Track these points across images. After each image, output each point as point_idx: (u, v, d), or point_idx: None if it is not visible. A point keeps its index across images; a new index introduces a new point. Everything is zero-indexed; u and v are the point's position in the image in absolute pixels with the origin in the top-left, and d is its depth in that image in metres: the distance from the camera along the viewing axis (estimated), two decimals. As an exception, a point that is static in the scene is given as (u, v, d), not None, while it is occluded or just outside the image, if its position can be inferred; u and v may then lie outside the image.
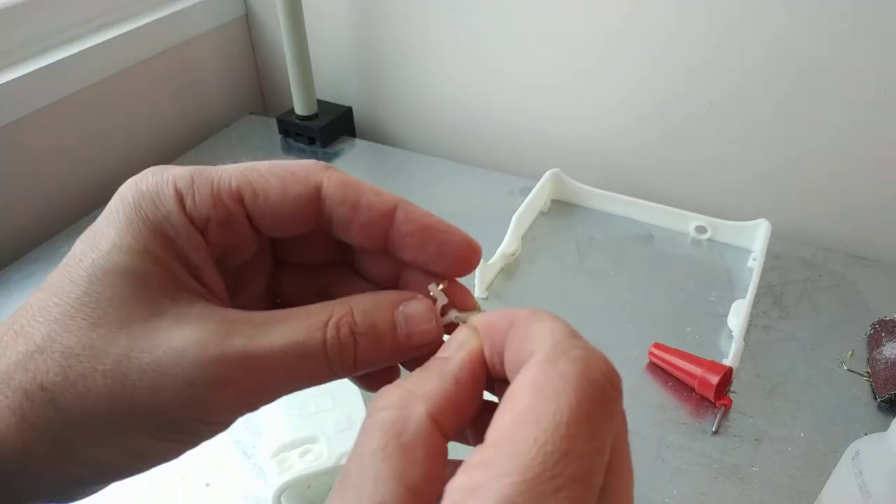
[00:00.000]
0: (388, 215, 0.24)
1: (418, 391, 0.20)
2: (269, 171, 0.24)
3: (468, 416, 0.21)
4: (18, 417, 0.20)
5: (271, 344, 0.21)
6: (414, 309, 0.24)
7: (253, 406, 0.22)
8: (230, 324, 0.22)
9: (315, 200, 0.24)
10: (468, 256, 0.25)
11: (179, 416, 0.21)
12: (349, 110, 0.93)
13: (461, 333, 0.22)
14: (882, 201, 0.72)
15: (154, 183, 0.23)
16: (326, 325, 0.22)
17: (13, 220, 0.74)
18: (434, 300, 0.24)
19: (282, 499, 0.45)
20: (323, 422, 0.49)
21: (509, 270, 0.69)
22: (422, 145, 0.95)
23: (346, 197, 0.24)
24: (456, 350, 0.21)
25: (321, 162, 0.24)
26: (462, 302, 0.25)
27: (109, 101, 0.81)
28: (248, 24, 0.99)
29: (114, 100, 0.81)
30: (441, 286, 0.25)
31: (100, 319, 0.21)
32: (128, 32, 0.80)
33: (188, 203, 0.22)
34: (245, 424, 0.53)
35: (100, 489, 0.23)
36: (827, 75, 0.68)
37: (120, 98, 0.82)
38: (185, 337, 0.21)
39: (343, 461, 0.45)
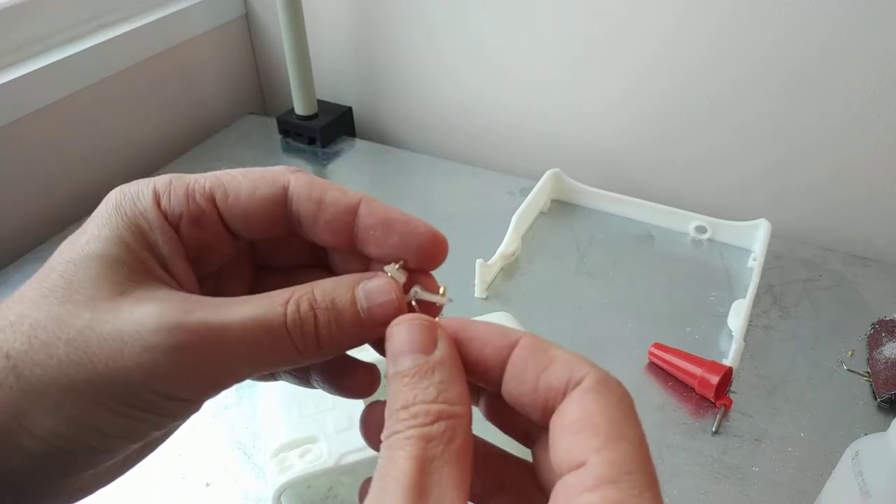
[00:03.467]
0: (352, 210, 0.25)
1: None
2: (242, 175, 0.25)
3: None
4: None
5: (231, 316, 0.22)
6: (373, 284, 0.24)
7: (217, 382, 0.23)
8: (193, 303, 0.22)
9: (283, 199, 0.25)
10: (433, 248, 0.25)
11: (137, 386, 0.21)
12: (349, 110, 0.93)
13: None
14: (882, 201, 0.72)
15: (136, 186, 0.25)
16: (287, 302, 0.23)
17: (13, 221, 0.74)
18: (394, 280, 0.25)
19: (282, 499, 0.45)
20: (323, 422, 0.49)
21: (509, 270, 0.69)
22: (422, 145, 0.95)
23: (312, 194, 0.25)
24: None
25: (292, 166, 0.26)
26: (425, 284, 0.26)
27: (109, 101, 0.81)
28: (248, 24, 0.99)
29: (114, 100, 0.81)
30: (398, 265, 0.25)
31: (69, 297, 0.22)
32: (128, 32, 0.80)
33: (163, 201, 0.24)
34: (245, 424, 0.53)
35: (74, 494, 0.24)
36: (827, 75, 0.68)
37: (120, 98, 0.82)
38: (146, 310, 0.22)
39: (343, 461, 0.46)
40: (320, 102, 0.91)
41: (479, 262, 0.64)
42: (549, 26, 0.78)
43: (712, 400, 0.54)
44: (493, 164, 0.90)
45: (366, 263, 0.27)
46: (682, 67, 0.74)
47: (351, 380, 0.27)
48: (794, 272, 0.69)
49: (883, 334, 0.58)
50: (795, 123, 0.72)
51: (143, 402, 0.22)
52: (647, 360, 0.59)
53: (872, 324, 0.61)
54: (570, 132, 0.85)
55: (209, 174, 0.25)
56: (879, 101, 0.67)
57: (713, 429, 0.53)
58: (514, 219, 0.70)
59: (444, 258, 0.26)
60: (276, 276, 0.29)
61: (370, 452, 0.46)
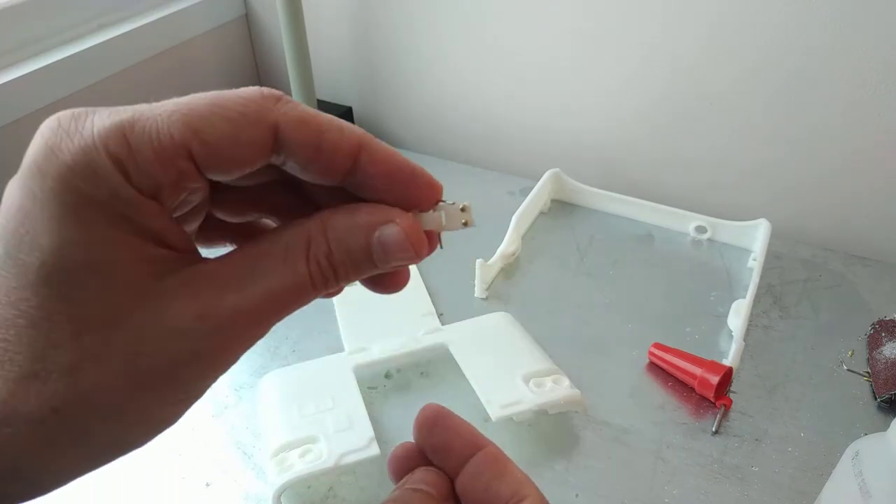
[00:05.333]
0: (352, 156, 0.22)
1: None
2: (215, 114, 0.20)
3: None
4: (37, 441, 0.19)
5: (262, 290, 0.21)
6: (390, 236, 0.22)
7: (250, 346, 0.23)
8: (217, 281, 0.21)
9: (271, 143, 0.21)
10: (430, 196, 0.24)
11: (193, 381, 0.22)
12: (349, 110, 0.93)
13: None
14: (882, 201, 0.72)
15: (80, 152, 0.19)
16: (307, 260, 0.22)
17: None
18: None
19: (282, 499, 0.45)
20: (323, 422, 0.49)
21: (509, 270, 0.69)
22: (422, 145, 0.95)
23: (308, 139, 0.22)
24: None
25: (269, 91, 0.22)
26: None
27: (109, 101, 0.80)
28: (248, 24, 0.99)
29: (114, 100, 0.81)
30: (461, 205, 0.25)
31: (81, 325, 0.19)
32: (128, 32, 0.80)
33: (132, 172, 0.19)
34: (245, 424, 0.53)
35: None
36: (828, 74, 0.68)
37: (120, 98, 0.82)
38: (181, 314, 0.20)
39: (343, 461, 0.46)
40: (320, 102, 0.91)
41: (479, 262, 0.64)
42: (549, 25, 0.78)
43: (712, 400, 0.54)
44: (493, 164, 0.90)
45: (348, 195, 0.24)
46: (683, 68, 0.74)
47: (385, 276, 0.26)
48: (794, 272, 0.69)
49: (883, 334, 0.58)
50: (796, 123, 0.72)
51: (198, 388, 0.22)
52: (647, 360, 0.59)
53: (872, 324, 0.61)
54: (570, 131, 0.85)
55: (169, 112, 0.20)
56: (880, 101, 0.67)
57: (713, 429, 0.53)
58: (514, 219, 0.70)
59: (437, 202, 0.25)
60: (233, 194, 0.26)
61: (370, 452, 0.47)
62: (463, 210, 0.24)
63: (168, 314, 0.20)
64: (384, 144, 0.23)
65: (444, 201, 0.24)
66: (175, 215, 0.22)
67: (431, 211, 0.24)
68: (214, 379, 0.22)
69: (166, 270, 0.21)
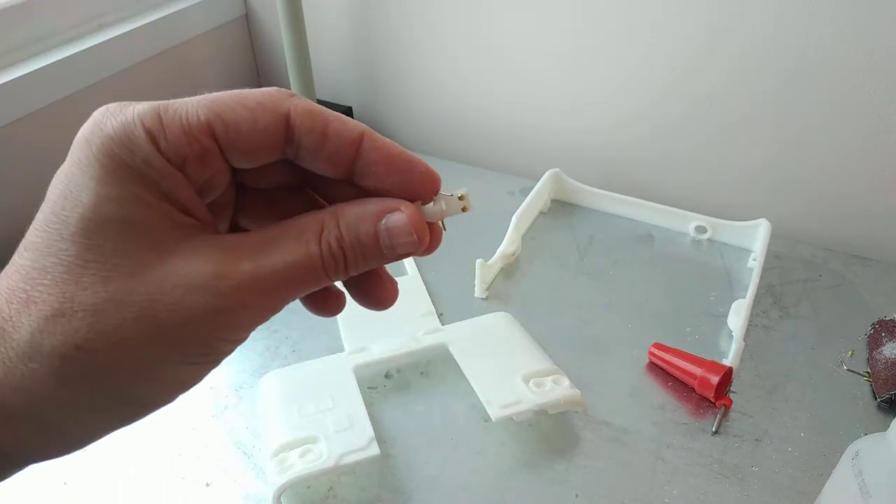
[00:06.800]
0: (356, 143, 0.25)
1: None
2: (237, 102, 0.24)
3: None
4: (59, 379, 0.21)
5: (274, 262, 0.23)
6: (396, 223, 0.25)
7: (265, 317, 0.24)
8: (235, 250, 0.23)
9: (284, 129, 0.24)
10: (429, 186, 0.26)
11: (209, 340, 0.23)
12: (349, 110, 0.93)
13: None
14: (882, 201, 0.72)
15: (120, 126, 0.23)
16: (320, 241, 0.24)
17: (13, 221, 0.73)
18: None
19: (282, 499, 0.45)
20: (323, 422, 0.49)
21: (509, 270, 0.69)
22: (422, 145, 0.96)
23: (315, 126, 0.24)
24: None
25: (284, 89, 0.25)
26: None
27: (109, 101, 0.80)
28: (248, 24, 0.99)
29: (114, 100, 0.81)
30: (458, 195, 0.27)
31: (110, 273, 0.21)
32: (128, 32, 0.80)
33: (162, 144, 0.23)
34: (245, 424, 0.53)
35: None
36: (828, 75, 0.68)
37: (120, 98, 0.81)
38: (199, 272, 0.22)
39: (343, 461, 0.46)
40: (320, 102, 0.91)
41: (479, 262, 0.64)
42: (549, 25, 0.78)
43: (712, 400, 0.54)
44: (493, 164, 0.90)
45: (356, 191, 0.27)
46: (683, 68, 0.74)
47: (375, 290, 0.28)
48: (794, 272, 0.69)
49: (883, 334, 0.58)
50: (796, 123, 0.72)
51: (213, 350, 0.23)
52: (647, 360, 0.59)
53: (872, 324, 0.61)
54: (570, 131, 0.85)
55: (197, 101, 0.24)
56: (880, 100, 0.67)
57: (713, 429, 0.53)
58: (514, 219, 0.70)
59: (436, 193, 0.27)
60: (257, 197, 0.28)
61: (370, 452, 0.47)
62: (461, 198, 0.27)
63: (187, 270, 0.22)
64: (384, 137, 0.26)
65: (443, 192, 0.27)
66: (204, 199, 0.25)
67: (432, 203, 0.26)
68: (229, 345, 0.24)
69: (188, 234, 0.23)
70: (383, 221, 0.25)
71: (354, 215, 0.25)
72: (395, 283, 0.29)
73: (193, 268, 0.22)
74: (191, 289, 0.22)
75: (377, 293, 0.28)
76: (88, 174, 0.22)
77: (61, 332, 0.21)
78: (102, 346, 0.21)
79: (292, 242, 0.24)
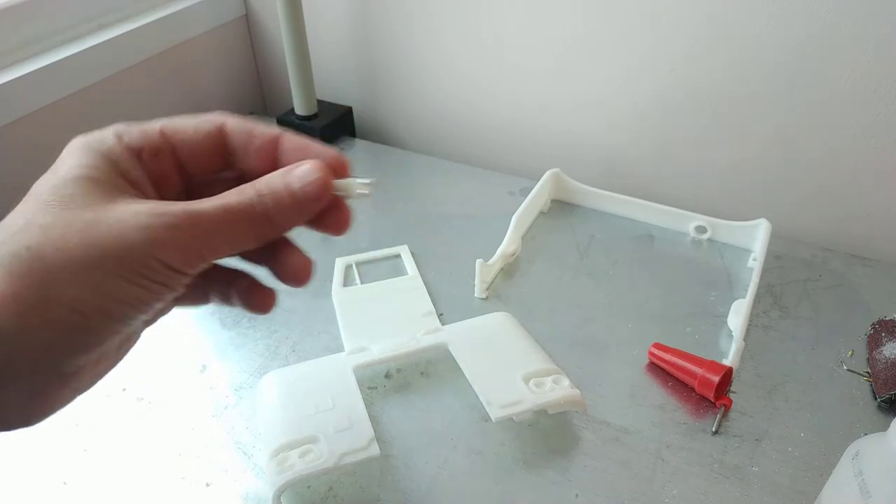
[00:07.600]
0: (276, 139, 0.33)
1: None
2: (186, 117, 0.33)
3: None
4: (8, 272, 0.25)
5: (213, 205, 0.29)
6: (303, 167, 0.32)
7: (201, 255, 0.29)
8: (174, 203, 0.29)
9: (222, 134, 0.33)
10: (338, 166, 0.33)
11: (144, 258, 0.27)
12: (349, 110, 0.93)
13: None
14: (882, 201, 0.72)
15: (97, 133, 0.31)
16: (253, 189, 0.31)
17: (13, 220, 0.73)
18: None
19: (282, 499, 0.45)
20: (323, 422, 0.49)
21: (509, 270, 0.69)
22: (422, 145, 0.96)
23: (244, 127, 0.33)
24: None
25: (226, 112, 0.34)
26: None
27: (110, 101, 0.81)
28: (248, 24, 0.99)
29: (114, 100, 0.81)
30: (368, 181, 0.33)
31: (69, 205, 0.27)
32: (128, 32, 0.80)
33: (125, 138, 0.31)
34: (245, 424, 0.53)
35: (97, 369, 0.29)
36: (828, 75, 0.68)
37: (120, 98, 0.82)
38: (140, 206, 0.28)
39: (343, 461, 0.46)
40: (320, 102, 0.91)
41: (478, 262, 0.64)
42: (549, 25, 0.78)
43: (712, 400, 0.54)
44: (493, 164, 0.90)
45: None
46: (683, 68, 0.74)
47: (328, 215, 0.33)
48: (794, 272, 0.69)
49: (883, 334, 0.58)
50: (796, 123, 0.72)
51: (148, 270, 0.27)
52: (646, 360, 0.59)
53: (872, 324, 0.61)
54: (570, 131, 0.85)
55: (155, 120, 0.32)
56: (880, 100, 0.67)
57: (713, 429, 0.53)
58: (514, 219, 0.70)
59: (346, 174, 0.34)
60: None
61: (370, 452, 0.47)
62: (366, 185, 0.33)
63: (130, 209, 0.28)
64: (300, 135, 0.33)
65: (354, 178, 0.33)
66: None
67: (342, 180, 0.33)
68: (169, 272, 0.28)
69: (137, 196, 0.30)
70: (296, 170, 0.31)
71: (269, 174, 0.31)
72: (309, 260, 0.35)
73: (135, 205, 0.28)
74: (128, 213, 0.27)
75: (291, 263, 0.34)
76: (67, 156, 0.30)
77: (18, 238, 0.26)
78: (49, 250, 0.26)
79: (231, 194, 0.30)
